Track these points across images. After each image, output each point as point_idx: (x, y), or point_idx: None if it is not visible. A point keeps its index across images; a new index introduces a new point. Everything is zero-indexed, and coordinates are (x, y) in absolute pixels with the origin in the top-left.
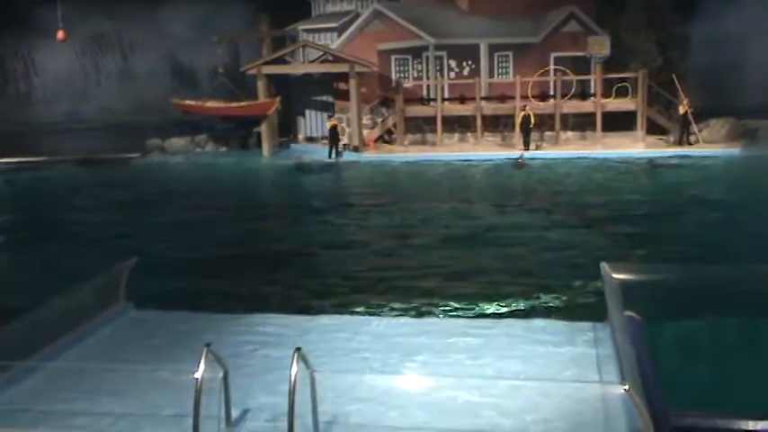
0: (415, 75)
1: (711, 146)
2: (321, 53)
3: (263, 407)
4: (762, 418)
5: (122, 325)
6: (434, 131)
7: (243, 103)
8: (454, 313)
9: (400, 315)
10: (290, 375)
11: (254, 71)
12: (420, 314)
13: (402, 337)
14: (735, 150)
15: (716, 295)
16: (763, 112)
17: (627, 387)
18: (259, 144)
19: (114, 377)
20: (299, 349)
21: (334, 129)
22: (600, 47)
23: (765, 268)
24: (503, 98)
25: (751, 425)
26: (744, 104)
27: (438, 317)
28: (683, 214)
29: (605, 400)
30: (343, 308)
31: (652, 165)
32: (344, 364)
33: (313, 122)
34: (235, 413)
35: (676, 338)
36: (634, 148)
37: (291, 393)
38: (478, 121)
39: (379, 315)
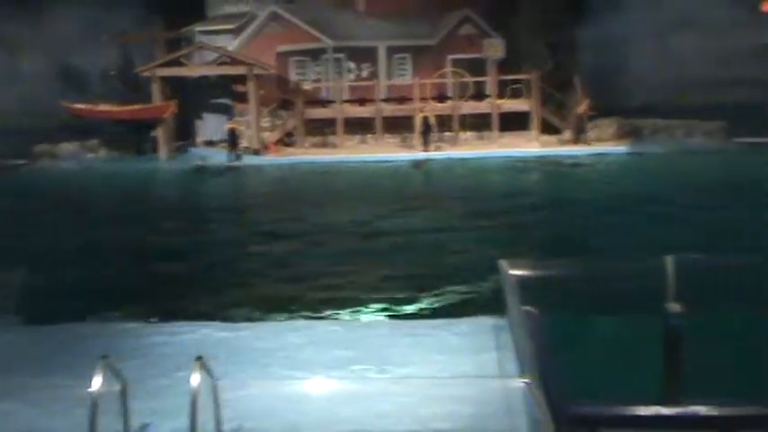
0: (315, 77)
1: (602, 144)
2: (218, 55)
3: (164, 420)
4: (649, 404)
5: (8, 339)
6: (335, 133)
7: (137, 107)
8: (356, 316)
9: (302, 320)
10: (191, 386)
11: (148, 73)
12: (322, 318)
13: (305, 342)
14: (623, 148)
15: (607, 289)
16: (648, 112)
17: (526, 380)
18: (155, 148)
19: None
20: (200, 358)
21: (232, 132)
22: (494, 49)
23: (654, 262)
24: (402, 100)
25: (642, 410)
26: (629, 104)
27: (339, 320)
28: (585, 210)
29: (506, 393)
30: (244, 314)
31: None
32: (248, 372)
33: (211, 126)
34: (134, 428)
35: (572, 331)
36: (529, 147)
37: (193, 404)
38: (378, 123)
39: (281, 321)
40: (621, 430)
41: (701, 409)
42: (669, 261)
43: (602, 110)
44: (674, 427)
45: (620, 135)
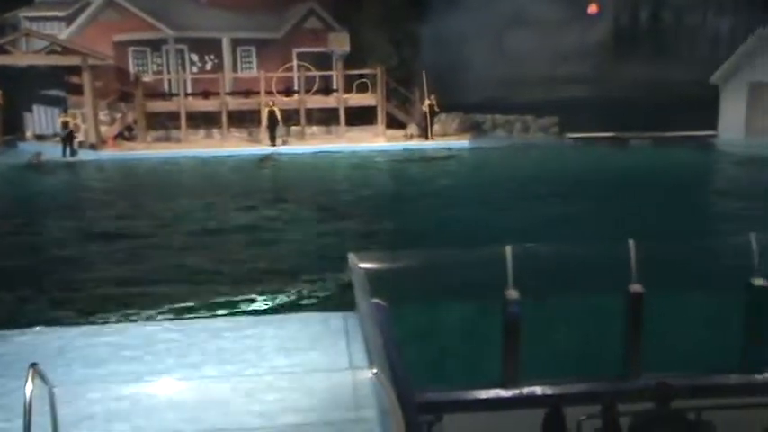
0: (156, 68)
1: (446, 138)
2: (48, 43)
3: None
4: (490, 387)
5: None
6: (178, 128)
7: None
8: (200, 313)
9: (143, 321)
10: (25, 394)
11: None
12: (165, 318)
13: (150, 341)
14: (465, 142)
15: (452, 278)
16: (486, 107)
17: (375, 371)
18: None
19: None
20: (34, 365)
21: (66, 125)
22: (340, 43)
23: (495, 251)
24: (248, 93)
25: (483, 393)
26: (469, 100)
27: (183, 320)
28: (433, 202)
29: (355, 385)
30: (82, 316)
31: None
32: (88, 377)
33: (43, 119)
34: None
35: (418, 321)
36: (375, 141)
37: (27, 413)
38: (224, 117)
39: (120, 323)
40: (465, 414)
41: (537, 389)
42: (508, 250)
43: (445, 105)
44: (513, 406)
45: (463, 130)
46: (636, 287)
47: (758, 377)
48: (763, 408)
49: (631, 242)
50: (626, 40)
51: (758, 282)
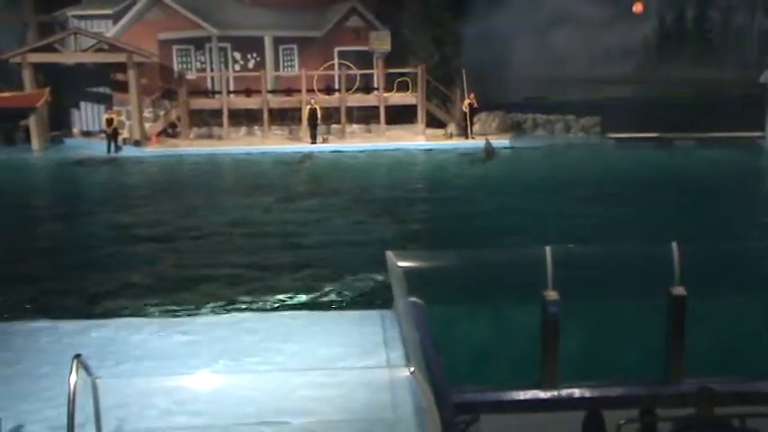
0: (199, 66)
1: (488, 138)
2: (95, 41)
3: (43, 420)
4: (528, 388)
5: None
6: (220, 125)
7: (6, 94)
8: (243, 309)
9: (190, 315)
10: (69, 384)
11: (18, 59)
12: (206, 313)
13: (192, 336)
14: (505, 141)
15: (490, 278)
16: (527, 106)
17: (412, 369)
18: (28, 139)
19: None
20: (78, 356)
21: (110, 122)
22: (381, 42)
23: (534, 251)
24: (289, 91)
25: (521, 394)
26: (510, 99)
27: (225, 314)
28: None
29: (392, 383)
30: (126, 310)
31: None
32: (131, 369)
33: (89, 115)
34: (7, 428)
35: (456, 320)
36: (415, 140)
37: (71, 403)
38: (265, 115)
39: (167, 317)
40: (502, 414)
41: (575, 392)
42: (548, 251)
43: (485, 104)
44: (551, 408)
45: (503, 129)
46: (678, 290)
47: None
48: None
49: (674, 244)
50: (671, 40)
51: None
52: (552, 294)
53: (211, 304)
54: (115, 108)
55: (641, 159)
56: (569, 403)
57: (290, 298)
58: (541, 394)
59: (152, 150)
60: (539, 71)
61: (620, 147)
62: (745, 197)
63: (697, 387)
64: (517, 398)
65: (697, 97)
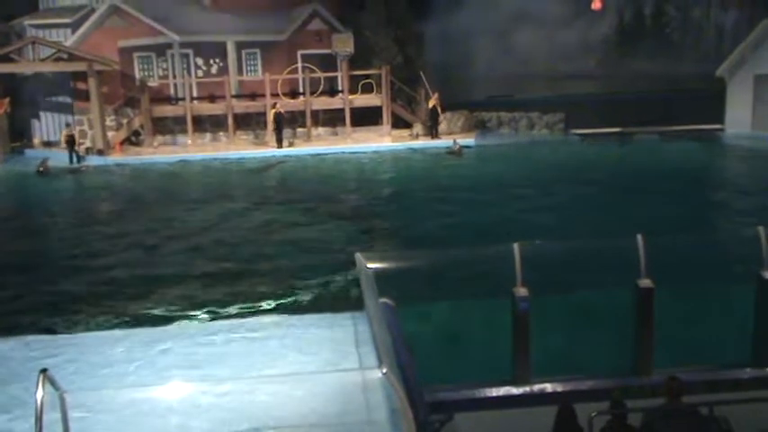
0: (161, 73)
1: (452, 137)
2: (54, 50)
3: None
4: (501, 385)
5: None
6: (185, 132)
7: None
8: (212, 316)
9: (157, 326)
10: (36, 399)
11: None
12: (176, 320)
13: (161, 346)
14: (471, 140)
15: (460, 276)
16: (491, 104)
17: (385, 370)
18: None
19: None
20: (44, 370)
21: (69, 139)
22: (344, 44)
23: (503, 248)
24: (253, 96)
25: (494, 391)
26: (475, 97)
27: (195, 322)
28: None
29: (365, 385)
30: (91, 323)
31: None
32: (100, 382)
33: (50, 125)
34: None
35: (427, 319)
36: (381, 141)
37: (38, 419)
38: (230, 120)
39: (135, 327)
40: (476, 412)
41: (548, 387)
42: (515, 248)
43: (450, 104)
44: (524, 404)
45: (469, 128)
46: (645, 282)
47: None
48: None
49: (640, 237)
50: (631, 36)
51: None
52: (522, 291)
53: (180, 313)
54: (76, 117)
55: (603, 154)
56: (542, 398)
57: (260, 304)
58: (514, 390)
59: (115, 159)
60: (502, 69)
61: (584, 142)
62: (702, 188)
63: (666, 377)
64: (490, 395)
65: (657, 91)
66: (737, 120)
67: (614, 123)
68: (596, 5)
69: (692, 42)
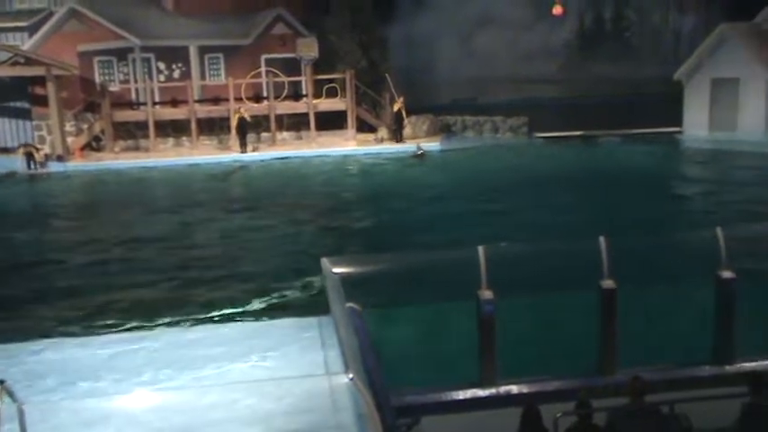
0: (122, 78)
1: (417, 141)
2: (11, 55)
3: None
4: (467, 388)
5: None
6: (147, 137)
7: None
8: (177, 321)
9: (118, 333)
10: None
11: None
12: (137, 329)
13: (123, 354)
14: (436, 144)
15: (426, 279)
16: (456, 108)
17: (351, 375)
18: None
19: None
20: (2, 382)
21: (28, 154)
22: (308, 48)
23: (468, 251)
24: (217, 101)
25: (461, 394)
26: (439, 101)
27: (160, 328)
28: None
29: (332, 390)
30: (50, 331)
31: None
32: (61, 391)
33: (8, 131)
34: None
35: (394, 324)
36: (346, 145)
37: None
38: (193, 125)
39: (96, 335)
40: (443, 415)
41: (514, 388)
42: (480, 251)
43: (415, 107)
44: (490, 406)
45: (433, 132)
46: (608, 283)
47: (729, 368)
48: (735, 398)
49: (602, 239)
50: (591, 40)
51: (726, 274)
52: (487, 294)
53: (141, 322)
54: (35, 122)
55: (566, 157)
56: (508, 400)
57: (225, 310)
58: (481, 393)
59: (76, 165)
60: (466, 73)
61: (547, 145)
62: (662, 189)
63: (629, 377)
64: (457, 397)
65: (618, 95)
66: (695, 122)
67: (577, 127)
68: (557, 11)
69: (651, 46)
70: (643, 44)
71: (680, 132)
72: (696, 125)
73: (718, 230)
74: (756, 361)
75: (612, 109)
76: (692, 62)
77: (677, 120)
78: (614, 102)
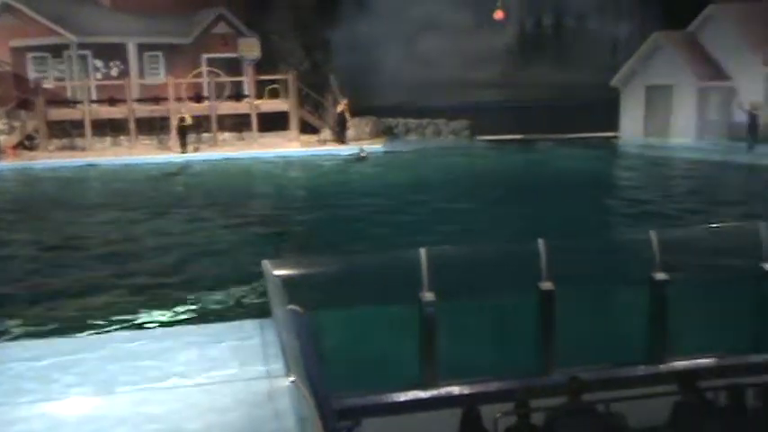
0: (57, 75)
1: (360, 143)
2: None
3: None
4: (408, 389)
5: None
6: (83, 135)
7: None
8: (114, 326)
9: (50, 336)
10: None
11: None
12: (72, 333)
13: (56, 359)
14: (380, 147)
15: (368, 282)
16: (399, 111)
17: (292, 378)
18: None
19: None
20: None
21: None
22: (250, 49)
23: (410, 254)
24: (156, 100)
25: (402, 396)
26: (382, 104)
27: (97, 334)
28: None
29: (273, 393)
30: None
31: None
32: None
33: None
34: None
35: (336, 326)
36: (289, 146)
37: None
38: (131, 124)
39: (35, 338)
40: (384, 417)
41: (455, 389)
42: (422, 253)
43: (358, 110)
44: (431, 407)
45: (376, 134)
46: (546, 285)
47: (662, 367)
48: (668, 396)
49: (541, 241)
50: (532, 45)
51: (659, 276)
52: (428, 296)
53: (76, 326)
54: None
55: (505, 160)
56: (449, 401)
57: (163, 313)
58: (422, 394)
59: (7, 164)
60: (409, 76)
61: (488, 148)
62: (598, 193)
63: (567, 377)
64: (398, 399)
65: (558, 100)
66: (631, 128)
67: (518, 130)
68: (498, 16)
69: (589, 52)
70: (582, 50)
71: (617, 137)
72: (632, 130)
73: (652, 233)
74: (687, 360)
75: (552, 113)
76: (628, 69)
77: (615, 125)
78: (554, 106)
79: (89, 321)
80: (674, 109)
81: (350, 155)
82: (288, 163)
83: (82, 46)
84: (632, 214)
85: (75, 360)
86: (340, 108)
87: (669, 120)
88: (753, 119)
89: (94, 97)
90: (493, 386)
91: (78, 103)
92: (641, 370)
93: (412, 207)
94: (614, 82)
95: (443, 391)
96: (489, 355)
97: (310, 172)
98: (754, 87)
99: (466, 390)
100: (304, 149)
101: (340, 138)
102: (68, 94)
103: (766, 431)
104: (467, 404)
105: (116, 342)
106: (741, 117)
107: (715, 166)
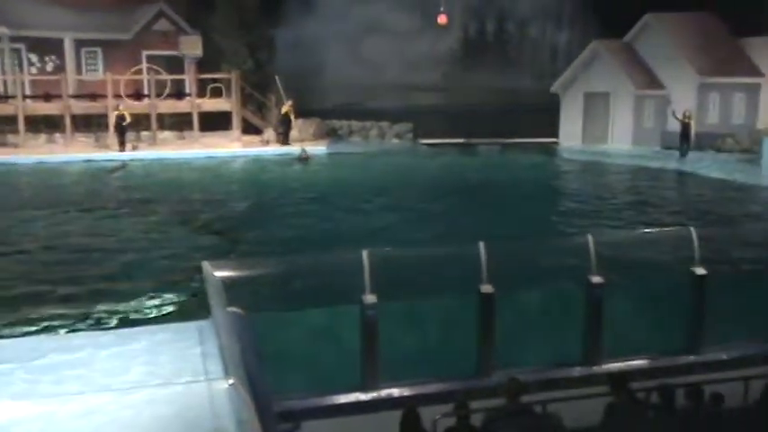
0: None
1: (303, 144)
2: None
3: None
4: (349, 392)
5: None
6: (16, 132)
7: None
8: (48, 330)
9: None
10: None
11: None
12: (8, 334)
13: None
14: (323, 148)
15: (311, 284)
16: (343, 113)
17: (231, 381)
18: None
19: None
20: None
21: None
22: (192, 47)
23: (353, 256)
24: (94, 97)
25: (342, 398)
26: (326, 105)
27: (29, 337)
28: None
29: (211, 396)
30: None
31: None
32: None
33: None
34: None
35: (277, 328)
36: (231, 147)
37: None
38: (67, 121)
39: None
40: (324, 420)
41: (395, 391)
42: (365, 255)
43: (302, 111)
44: (372, 409)
45: (320, 135)
46: (486, 288)
47: (596, 368)
48: (602, 397)
49: (481, 244)
50: (474, 50)
51: (595, 279)
52: (370, 298)
53: (6, 330)
54: None
55: (448, 163)
56: (390, 403)
57: (97, 315)
58: (362, 396)
59: None
60: (353, 78)
61: (430, 152)
62: (536, 198)
63: (506, 378)
64: (338, 401)
65: (500, 105)
66: (570, 134)
67: (459, 134)
68: (441, 20)
69: (530, 59)
70: (523, 56)
71: (556, 143)
72: (571, 136)
73: (589, 237)
74: (620, 362)
75: (494, 118)
76: (567, 76)
77: (556, 131)
78: (496, 111)
79: (12, 326)
80: (612, 116)
81: (292, 156)
82: (228, 163)
83: (15, 39)
84: (566, 218)
85: (2, 364)
86: (285, 109)
87: (607, 126)
88: (685, 127)
89: (28, 92)
90: (433, 387)
91: (11, 98)
92: (577, 371)
93: (348, 205)
94: (554, 88)
95: (384, 392)
96: (430, 356)
97: (251, 172)
98: (687, 96)
99: (406, 391)
100: (246, 150)
101: (283, 138)
102: (0, 88)
103: (695, 429)
104: (407, 406)
105: (45, 346)
106: (675, 125)
107: (648, 172)
